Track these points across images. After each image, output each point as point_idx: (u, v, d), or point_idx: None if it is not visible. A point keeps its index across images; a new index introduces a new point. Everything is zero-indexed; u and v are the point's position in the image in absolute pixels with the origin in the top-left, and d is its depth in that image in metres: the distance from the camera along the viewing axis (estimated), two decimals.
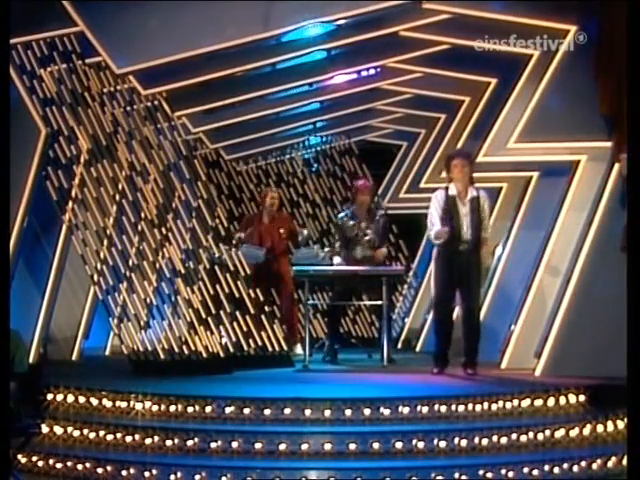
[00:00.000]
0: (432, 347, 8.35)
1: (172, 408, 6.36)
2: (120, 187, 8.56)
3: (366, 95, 11.10)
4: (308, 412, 6.20)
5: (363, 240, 9.28)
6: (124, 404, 6.49)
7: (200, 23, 8.12)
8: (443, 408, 6.28)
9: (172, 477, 5.81)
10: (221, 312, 8.39)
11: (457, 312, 8.31)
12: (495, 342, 8.90)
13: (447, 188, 7.97)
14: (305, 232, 10.38)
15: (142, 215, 8.49)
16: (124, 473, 5.92)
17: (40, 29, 8.62)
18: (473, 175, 7.99)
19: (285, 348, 8.80)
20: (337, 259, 9.23)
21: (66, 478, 6.10)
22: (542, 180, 9.06)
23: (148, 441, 6.10)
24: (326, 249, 9.82)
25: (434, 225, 7.90)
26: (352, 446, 5.90)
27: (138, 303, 8.29)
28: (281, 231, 10.03)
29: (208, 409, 6.30)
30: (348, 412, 6.19)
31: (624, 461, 5.97)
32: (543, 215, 8.82)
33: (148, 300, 8.32)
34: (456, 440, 5.97)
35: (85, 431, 6.31)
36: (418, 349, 11.25)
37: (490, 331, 8.90)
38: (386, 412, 6.21)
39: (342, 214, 9.60)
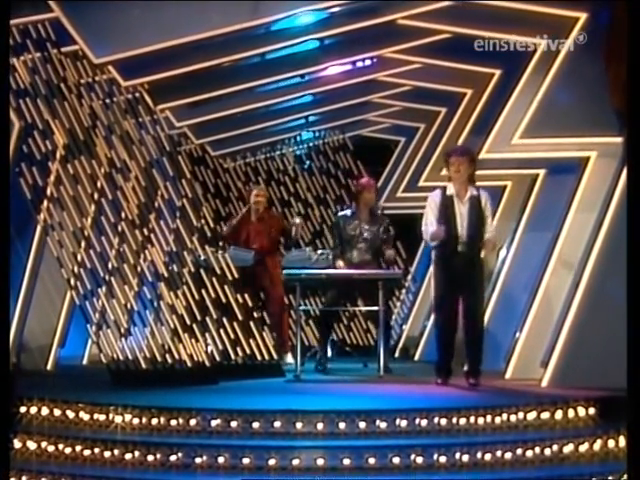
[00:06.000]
0: (432, 356, 8.35)
1: (154, 421, 6.33)
2: (99, 185, 8.53)
3: (362, 87, 11.11)
4: (299, 425, 6.18)
5: (361, 243, 9.28)
6: (103, 417, 6.45)
7: (185, 10, 8.10)
8: (443, 421, 6.26)
9: None
10: (207, 318, 8.37)
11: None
12: (499, 350, 8.90)
13: (445, 187, 7.98)
14: (297, 221, 10.33)
15: (122, 215, 8.46)
16: None
17: (12, 15, 8.57)
18: (475, 173, 7.98)
19: (275, 357, 8.79)
20: (340, 263, 9.19)
21: None
22: (549, 178, 9.07)
23: (128, 456, 6.06)
24: (319, 251, 9.82)
25: (429, 226, 7.92)
26: (346, 461, 5.87)
27: (118, 309, 8.26)
28: (271, 233, 10.04)
29: (193, 422, 6.27)
30: (342, 425, 6.16)
31: None
32: (550, 215, 8.82)
33: (129, 306, 8.29)
34: (457, 455, 5.95)
35: (60, 446, 6.26)
36: (417, 358, 11.27)
37: (494, 339, 8.90)
38: (383, 425, 6.19)
39: (342, 213, 9.60)
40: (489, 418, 6.34)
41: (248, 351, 8.55)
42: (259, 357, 8.60)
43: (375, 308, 8.77)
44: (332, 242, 9.64)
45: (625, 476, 6.01)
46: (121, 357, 8.16)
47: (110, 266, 8.35)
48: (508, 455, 6.04)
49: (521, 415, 6.42)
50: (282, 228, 10.22)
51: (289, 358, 9.71)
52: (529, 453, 6.08)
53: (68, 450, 6.23)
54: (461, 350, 8.00)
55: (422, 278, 11.94)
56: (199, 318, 8.28)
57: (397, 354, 11.91)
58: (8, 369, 5.56)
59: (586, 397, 6.66)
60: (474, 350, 7.90)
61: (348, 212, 9.51)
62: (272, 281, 10.00)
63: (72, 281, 8.37)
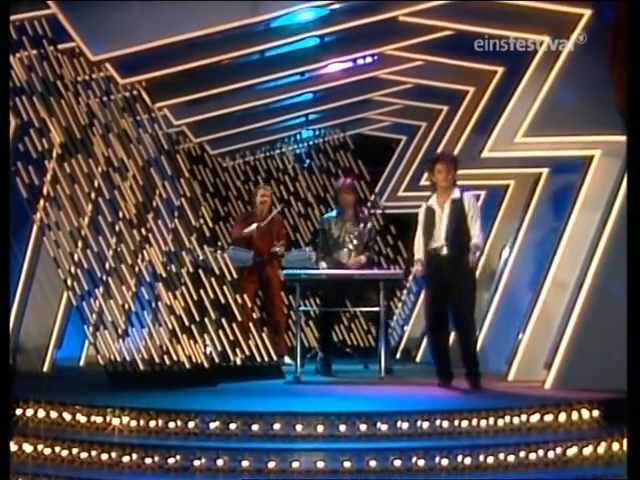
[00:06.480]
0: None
1: (152, 423, 6.32)
2: (96, 184, 8.53)
3: (362, 85, 11.10)
4: (299, 427, 6.17)
5: (347, 243, 9.27)
6: (100, 419, 6.44)
7: (183, 7, 8.08)
8: (445, 423, 6.26)
9: None
10: (205, 319, 8.36)
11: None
12: (502, 352, 8.89)
13: (427, 199, 8.13)
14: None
15: (120, 214, 8.45)
16: None
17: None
18: (456, 177, 8.07)
19: (275, 358, 8.78)
20: (323, 265, 9.21)
21: None
22: (552, 177, 9.07)
23: (126, 459, 6.05)
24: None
25: (416, 252, 8.18)
26: (347, 464, 5.86)
27: (116, 310, 8.25)
28: (275, 237, 10.09)
29: (191, 424, 6.26)
30: (343, 427, 6.16)
31: None
32: (553, 215, 8.82)
33: (126, 306, 8.28)
34: (459, 458, 5.94)
35: (57, 449, 6.25)
36: (418, 359, 11.27)
37: (496, 340, 8.90)
38: (384, 427, 6.19)
39: (327, 215, 9.63)
40: (491, 420, 6.33)
41: (247, 352, 8.54)
42: (258, 358, 8.59)
43: (376, 309, 8.76)
44: (319, 243, 9.59)
45: None
46: (119, 358, 8.15)
47: (107, 266, 8.34)
48: (511, 458, 6.02)
49: (524, 417, 6.41)
50: (283, 234, 10.29)
51: (289, 359, 9.70)
52: (532, 456, 6.06)
53: (65, 453, 6.22)
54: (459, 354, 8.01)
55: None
56: (198, 319, 8.28)
57: (398, 355, 11.90)
58: (7, 371, 5.53)
59: (590, 399, 6.65)
60: (468, 355, 7.89)
61: (334, 213, 9.53)
62: (271, 281, 10.01)
63: (69, 281, 8.36)
